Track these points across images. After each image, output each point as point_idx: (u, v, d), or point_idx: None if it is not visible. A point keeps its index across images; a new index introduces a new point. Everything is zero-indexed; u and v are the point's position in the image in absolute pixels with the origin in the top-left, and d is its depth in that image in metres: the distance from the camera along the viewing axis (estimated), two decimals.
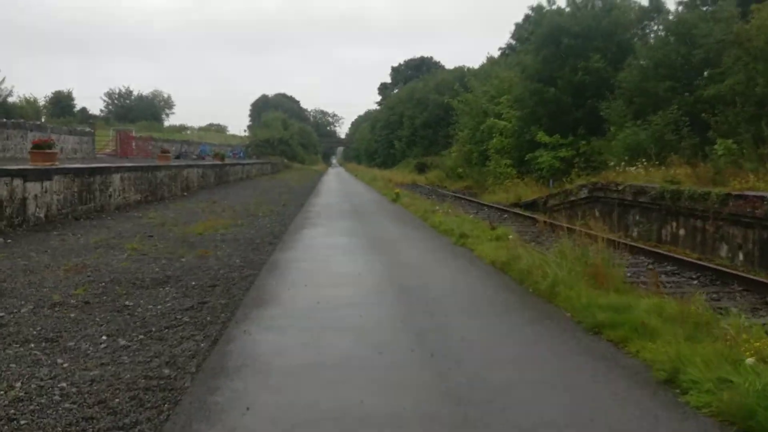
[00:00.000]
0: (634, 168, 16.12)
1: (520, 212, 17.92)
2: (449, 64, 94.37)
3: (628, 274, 8.35)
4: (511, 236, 10.14)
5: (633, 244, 11.20)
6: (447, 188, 31.05)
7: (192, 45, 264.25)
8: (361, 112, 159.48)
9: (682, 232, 12.39)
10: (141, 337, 5.33)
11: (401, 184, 34.52)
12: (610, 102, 21.73)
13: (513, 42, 54.76)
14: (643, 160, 16.40)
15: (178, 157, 42.68)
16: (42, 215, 13.69)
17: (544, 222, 12.69)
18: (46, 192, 13.92)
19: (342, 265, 9.12)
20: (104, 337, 5.29)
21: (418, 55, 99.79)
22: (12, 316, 5.86)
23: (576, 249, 7.61)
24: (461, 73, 55.44)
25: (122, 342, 5.17)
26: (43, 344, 5.05)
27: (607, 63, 24.06)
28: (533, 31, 28.37)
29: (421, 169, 40.87)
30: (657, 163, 16.14)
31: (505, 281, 7.81)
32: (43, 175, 13.82)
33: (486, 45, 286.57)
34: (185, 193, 25.69)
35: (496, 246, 9.79)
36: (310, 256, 9.97)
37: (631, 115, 20.35)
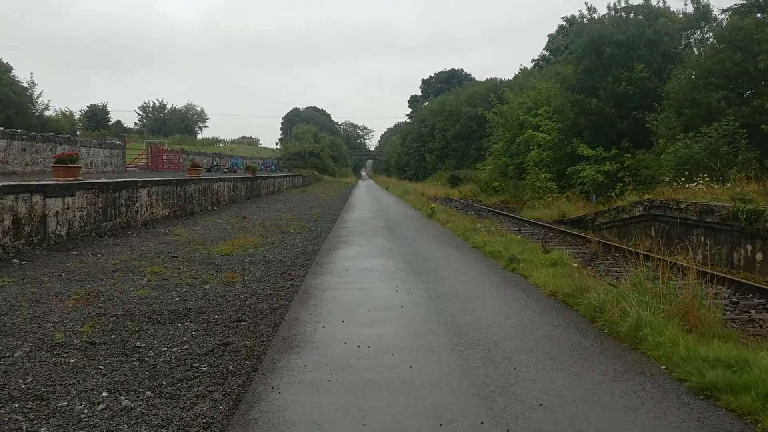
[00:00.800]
0: (695, 184, 14.82)
1: (566, 230, 16.70)
2: (477, 76, 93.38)
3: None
4: (574, 264, 9.02)
5: (702, 269, 9.99)
6: (482, 202, 29.90)
7: (222, 60, 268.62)
8: (390, 125, 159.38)
9: (759, 256, 11.10)
10: (148, 393, 4.42)
11: (434, 198, 33.52)
12: (657, 113, 20.43)
13: (547, 53, 53.61)
14: (705, 175, 15.09)
15: (209, 170, 42.46)
16: (63, 233, 13.05)
17: (597, 242, 11.52)
18: (68, 208, 13.29)
19: (381, 294, 8.15)
20: (105, 393, 4.40)
21: (445, 67, 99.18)
22: (2, 362, 5.02)
23: (652, 278, 6.53)
24: (493, 84, 54.36)
25: (125, 401, 4.26)
26: (30, 404, 4.17)
27: (651, 73, 22.80)
28: (573, 39, 27.11)
29: (454, 182, 39.73)
30: (720, 178, 14.85)
31: (572, 319, 6.74)
32: (65, 191, 13.20)
33: (512, 58, 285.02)
34: (215, 208, 25.08)
35: (554, 273, 8.71)
36: (345, 282, 9.03)
37: (680, 126, 19.03)
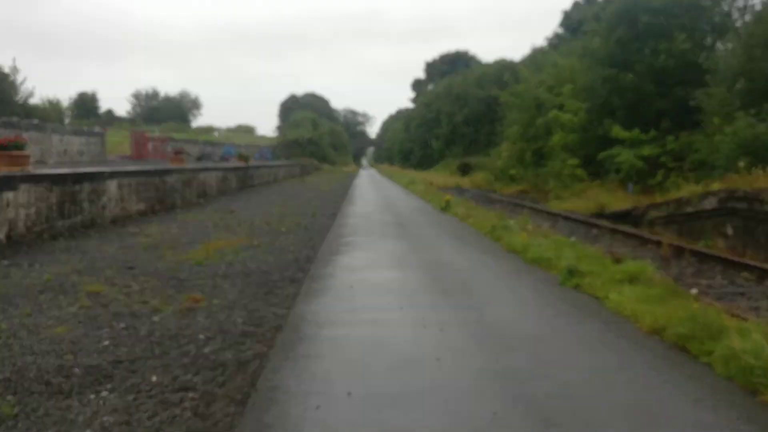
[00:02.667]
0: None
1: (614, 227, 13.94)
2: (483, 59, 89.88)
3: None
4: (668, 281, 6.51)
5: None
6: (498, 192, 27.28)
7: (215, 49, 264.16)
8: (391, 111, 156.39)
9: None
10: None
11: (444, 188, 30.97)
12: (707, 89, 17.72)
13: (561, 31, 50.78)
14: None
15: (199, 159, 39.90)
16: (2, 236, 10.59)
17: (669, 245, 9.03)
18: (7, 206, 10.81)
19: (403, 333, 5.67)
20: None
21: (449, 49, 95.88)
22: None
23: None
24: (503, 66, 51.54)
25: None
26: None
27: (694, 44, 20.09)
28: (603, 6, 24.07)
29: (465, 170, 37.02)
30: None
31: (713, 386, 4.26)
32: (3, 185, 10.72)
33: (512, 43, 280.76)
34: (200, 200, 22.61)
35: (640, 295, 6.24)
36: (350, 309, 6.55)
37: (738, 103, 16.36)
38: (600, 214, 16.27)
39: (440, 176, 38.84)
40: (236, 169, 30.55)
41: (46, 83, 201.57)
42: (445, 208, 17.65)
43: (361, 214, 17.92)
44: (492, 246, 10.60)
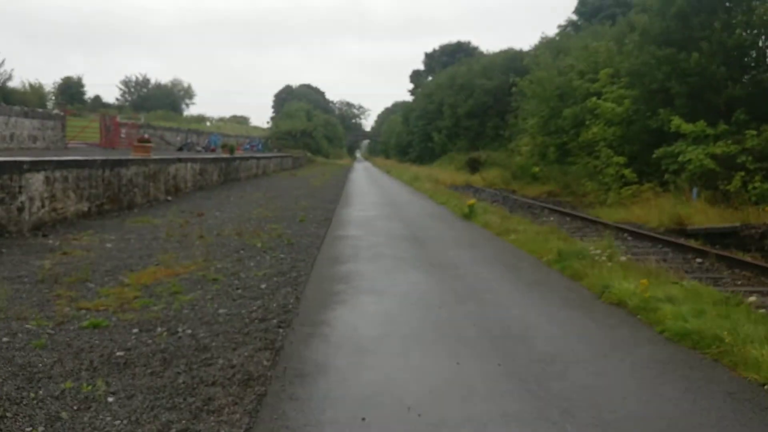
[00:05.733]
0: None
1: (724, 253, 9.89)
2: (485, 50, 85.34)
3: None
4: None
5: None
6: (518, 193, 23.34)
7: (200, 40, 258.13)
8: (387, 104, 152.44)
9: None
10: None
11: (453, 186, 27.20)
12: None
13: (575, 18, 47.03)
14: None
15: (180, 149, 35.96)
16: None
17: None
18: None
19: None
20: None
21: (450, 40, 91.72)
22: None
23: None
24: (512, 55, 47.71)
25: None
26: None
27: None
28: None
29: (474, 166, 33.16)
30: None
31: None
32: None
33: (512, 35, 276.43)
34: (169, 198, 18.80)
35: None
36: None
37: None
38: (680, 230, 12.36)
39: (445, 172, 34.96)
40: (217, 160, 26.67)
41: (34, 71, 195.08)
42: (470, 215, 13.91)
43: (361, 220, 14.15)
44: (574, 290, 6.82)
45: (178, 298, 6.24)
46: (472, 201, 14.41)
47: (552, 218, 15.04)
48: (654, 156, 16.57)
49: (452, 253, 9.52)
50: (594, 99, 20.09)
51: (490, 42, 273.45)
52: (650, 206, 14.47)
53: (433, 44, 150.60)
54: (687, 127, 15.68)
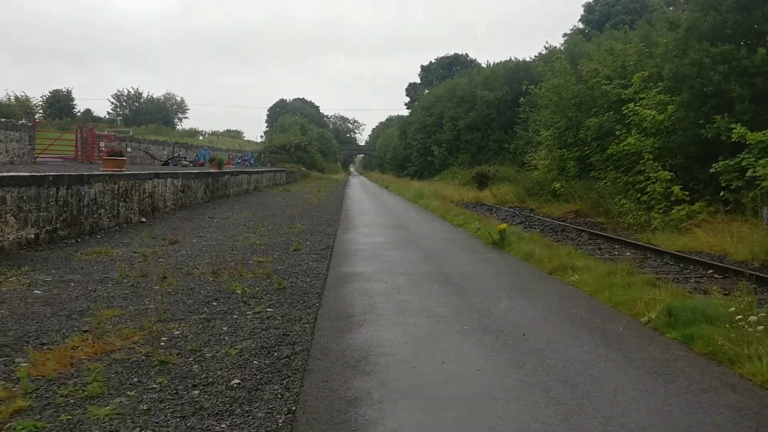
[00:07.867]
0: None
1: None
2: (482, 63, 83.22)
3: None
4: None
5: None
6: (537, 212, 20.80)
7: (189, 56, 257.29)
8: (381, 119, 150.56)
9: None
10: None
11: (461, 204, 24.72)
12: None
13: (581, 26, 44.99)
14: None
15: (166, 163, 33.43)
16: None
17: None
18: None
19: None
20: None
21: (448, 52, 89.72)
22: None
23: None
24: (516, 65, 45.55)
25: None
26: None
27: None
28: None
29: (482, 181, 30.72)
30: None
31: None
32: None
33: (506, 48, 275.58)
34: (143, 219, 16.27)
35: None
36: None
37: None
38: None
39: (450, 188, 32.49)
40: (203, 175, 24.13)
41: (25, 88, 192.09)
42: (500, 242, 11.41)
43: (369, 250, 11.63)
44: (729, 385, 4.35)
45: (86, 415, 3.71)
46: (503, 225, 11.90)
47: (601, 245, 12.51)
48: (711, 171, 14.12)
49: (504, 305, 6.98)
50: (631, 105, 17.68)
51: (482, 55, 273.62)
52: (721, 231, 11.97)
53: (424, 60, 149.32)
54: (754, 137, 13.22)
